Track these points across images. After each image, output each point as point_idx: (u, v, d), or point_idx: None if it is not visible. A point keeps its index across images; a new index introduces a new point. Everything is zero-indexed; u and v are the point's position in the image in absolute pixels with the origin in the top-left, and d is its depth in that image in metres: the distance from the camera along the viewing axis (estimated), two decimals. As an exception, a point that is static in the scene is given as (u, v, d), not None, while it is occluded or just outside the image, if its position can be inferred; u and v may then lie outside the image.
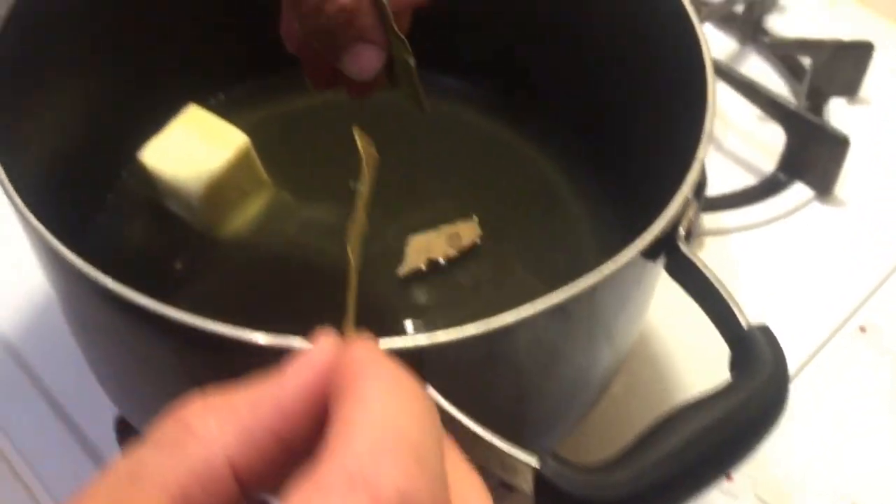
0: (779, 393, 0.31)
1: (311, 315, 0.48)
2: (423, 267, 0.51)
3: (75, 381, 0.51)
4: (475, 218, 0.53)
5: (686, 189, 0.37)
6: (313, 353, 0.22)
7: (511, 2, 0.56)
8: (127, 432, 0.48)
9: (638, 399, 0.52)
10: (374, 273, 0.51)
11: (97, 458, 0.49)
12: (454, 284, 0.51)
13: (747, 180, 0.65)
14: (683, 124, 0.43)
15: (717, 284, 0.35)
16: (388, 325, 0.49)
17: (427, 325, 0.49)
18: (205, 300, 0.50)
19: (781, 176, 0.64)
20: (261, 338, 0.31)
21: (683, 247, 0.37)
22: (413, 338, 0.32)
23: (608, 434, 0.49)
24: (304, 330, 0.48)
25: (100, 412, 0.50)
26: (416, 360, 0.32)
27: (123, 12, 0.48)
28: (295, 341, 0.31)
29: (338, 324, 0.30)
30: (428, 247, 0.52)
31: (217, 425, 0.21)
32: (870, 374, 0.54)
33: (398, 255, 0.51)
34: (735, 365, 0.34)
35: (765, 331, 0.33)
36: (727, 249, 0.61)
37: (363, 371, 0.21)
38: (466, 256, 0.52)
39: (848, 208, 0.63)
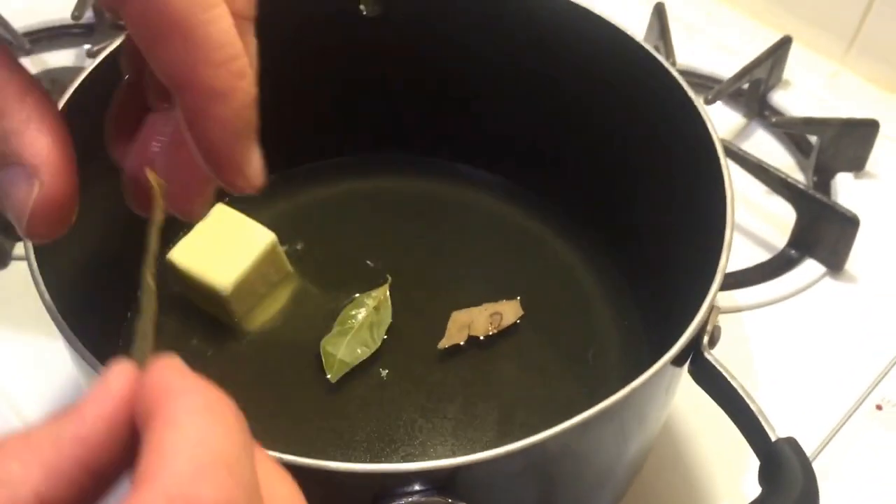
0: (810, 510, 0.32)
1: (339, 401, 0.50)
2: (462, 343, 0.53)
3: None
4: (518, 298, 0.55)
5: (710, 298, 0.38)
6: (109, 382, 0.23)
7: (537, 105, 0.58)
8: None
9: (663, 482, 0.53)
10: (415, 344, 0.53)
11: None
12: (489, 362, 0.53)
13: (759, 256, 0.66)
14: (705, 224, 0.44)
15: (744, 395, 0.36)
16: (422, 398, 0.51)
17: (462, 404, 0.51)
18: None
19: (793, 253, 0.65)
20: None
21: (708, 355, 0.38)
22: (449, 461, 0.33)
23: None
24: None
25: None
26: (450, 476, 0.33)
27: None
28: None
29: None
30: (470, 323, 0.54)
31: (20, 467, 0.21)
32: (888, 455, 0.55)
33: (440, 328, 0.53)
34: (764, 477, 0.35)
35: (792, 444, 0.34)
36: (739, 327, 0.61)
37: (168, 392, 0.22)
38: (504, 334, 0.54)
39: (860, 284, 0.64)
